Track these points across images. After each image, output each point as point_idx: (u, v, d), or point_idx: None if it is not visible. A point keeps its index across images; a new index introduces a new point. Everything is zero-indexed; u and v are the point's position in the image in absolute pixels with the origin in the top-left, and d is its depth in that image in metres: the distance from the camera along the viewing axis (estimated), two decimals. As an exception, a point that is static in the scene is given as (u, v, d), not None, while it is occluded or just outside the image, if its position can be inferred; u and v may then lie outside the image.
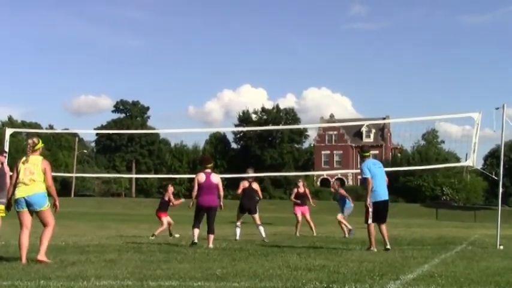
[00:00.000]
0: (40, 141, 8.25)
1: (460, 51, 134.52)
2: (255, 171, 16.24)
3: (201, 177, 11.34)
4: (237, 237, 13.75)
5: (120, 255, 8.92)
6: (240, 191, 14.07)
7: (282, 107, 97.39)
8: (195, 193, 11.36)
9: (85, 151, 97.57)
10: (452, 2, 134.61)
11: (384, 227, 10.87)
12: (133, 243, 12.08)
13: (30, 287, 5.57)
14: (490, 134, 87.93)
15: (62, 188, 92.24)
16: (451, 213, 54.13)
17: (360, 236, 15.08)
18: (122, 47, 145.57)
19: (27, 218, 8.09)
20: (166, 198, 16.19)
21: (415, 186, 76.42)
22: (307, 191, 18.04)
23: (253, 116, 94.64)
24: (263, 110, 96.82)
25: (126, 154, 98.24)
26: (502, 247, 11.80)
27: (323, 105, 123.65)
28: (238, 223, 14.15)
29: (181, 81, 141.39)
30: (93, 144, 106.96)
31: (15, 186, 8.05)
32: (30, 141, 8.15)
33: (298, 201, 17.66)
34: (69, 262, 7.80)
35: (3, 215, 11.32)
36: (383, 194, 10.97)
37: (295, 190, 18.10)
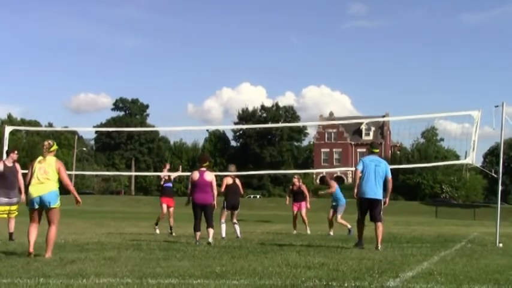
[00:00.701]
0: (55, 143, 8.80)
1: (459, 49, 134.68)
2: (255, 169, 16.28)
3: (195, 175, 11.53)
4: (223, 236, 13.42)
5: (120, 253, 8.92)
6: (223, 188, 14.03)
7: (281, 105, 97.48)
8: (189, 191, 11.68)
9: (84, 149, 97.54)
10: (452, 0, 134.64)
11: (377, 226, 10.53)
12: (133, 241, 12.08)
13: (29, 284, 5.57)
14: (489, 132, 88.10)
15: (62, 185, 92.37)
16: (450, 211, 54.12)
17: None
18: (121, 45, 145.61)
19: (38, 215, 8.56)
20: (162, 182, 15.74)
21: (415, 184, 76.50)
22: (304, 188, 17.83)
23: (259, 113, 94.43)
24: (263, 108, 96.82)
25: (125, 152, 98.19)
26: (501, 245, 11.81)
27: (322, 103, 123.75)
28: (223, 220, 14.04)
29: (180, 79, 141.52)
30: (92, 142, 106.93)
31: (29, 185, 8.48)
32: (46, 143, 8.67)
33: (287, 198, 17.86)
34: (69, 260, 7.80)
35: (17, 214, 11.51)
36: (367, 191, 10.58)
37: (290, 187, 18.12)
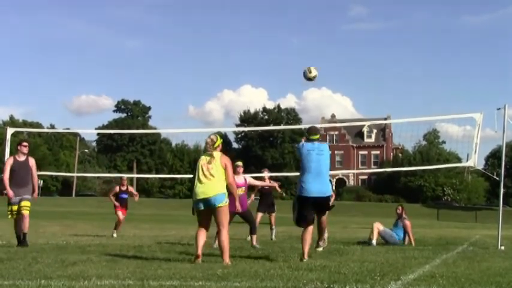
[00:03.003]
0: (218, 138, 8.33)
1: (461, 51, 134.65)
2: (256, 171, 16.27)
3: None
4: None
5: (121, 255, 8.92)
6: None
7: (282, 107, 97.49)
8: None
9: (86, 151, 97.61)
10: (453, 2, 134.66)
11: (323, 220, 8.85)
12: (134, 242, 12.08)
13: (31, 286, 5.56)
14: (491, 134, 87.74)
15: (63, 187, 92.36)
16: (452, 214, 54.10)
17: (360, 236, 15.07)
18: (123, 47, 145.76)
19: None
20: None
21: (416, 186, 76.49)
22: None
23: (260, 115, 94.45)
24: (264, 110, 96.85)
25: (127, 154, 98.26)
26: (503, 248, 11.80)
27: (323, 105, 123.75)
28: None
29: (181, 81, 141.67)
30: (94, 144, 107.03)
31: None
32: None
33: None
34: (70, 262, 7.80)
35: (28, 211, 10.98)
36: (312, 188, 8.43)
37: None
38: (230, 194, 8.09)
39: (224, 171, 8.00)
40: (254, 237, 11.70)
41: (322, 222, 8.97)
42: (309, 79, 10.01)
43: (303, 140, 8.86)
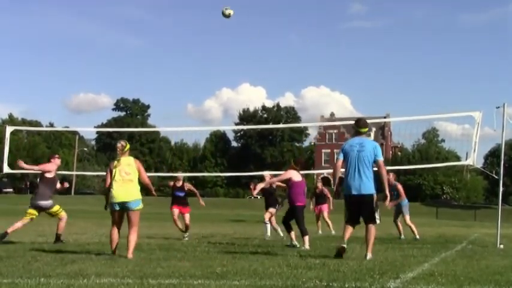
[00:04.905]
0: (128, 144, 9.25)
1: (460, 49, 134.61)
2: (255, 170, 16.33)
3: (298, 176, 10.92)
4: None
5: (120, 253, 8.92)
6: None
7: (281, 105, 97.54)
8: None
9: (85, 149, 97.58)
10: (452, 0, 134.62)
11: (368, 228, 8.51)
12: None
13: (30, 284, 5.57)
14: (490, 133, 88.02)
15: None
16: (451, 212, 54.08)
17: (360, 235, 15.06)
18: (122, 45, 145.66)
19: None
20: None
21: (415, 185, 76.43)
22: (327, 191, 18.20)
23: (260, 114, 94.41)
24: (264, 108, 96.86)
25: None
26: (502, 246, 11.80)
27: (322, 103, 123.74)
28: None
29: (180, 80, 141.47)
30: (93, 142, 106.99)
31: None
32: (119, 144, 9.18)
33: (311, 202, 18.09)
34: (69, 260, 7.81)
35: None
36: (353, 186, 8.44)
37: (313, 190, 18.51)
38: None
39: (139, 174, 8.67)
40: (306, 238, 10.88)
41: (368, 229, 8.49)
42: (225, 15, 10.96)
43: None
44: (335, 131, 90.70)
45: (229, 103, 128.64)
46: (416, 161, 71.43)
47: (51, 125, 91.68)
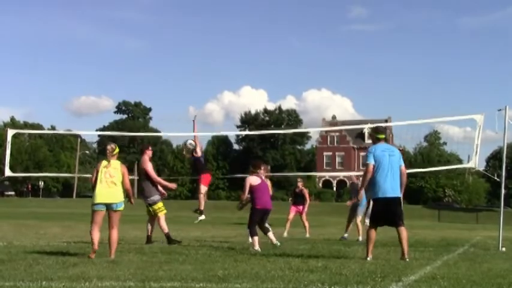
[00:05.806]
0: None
1: (462, 52, 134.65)
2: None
3: (256, 180, 11.16)
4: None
5: (122, 256, 8.92)
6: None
7: (282, 108, 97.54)
8: (245, 196, 11.37)
9: (87, 152, 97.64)
10: (453, 3, 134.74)
11: (401, 230, 8.86)
12: (135, 244, 12.07)
13: (32, 287, 5.56)
14: (492, 135, 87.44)
15: (64, 188, 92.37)
16: (453, 215, 54.04)
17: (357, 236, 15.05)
18: (123, 48, 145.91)
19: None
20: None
21: (417, 187, 76.43)
22: (305, 192, 17.75)
23: (261, 117, 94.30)
24: (265, 111, 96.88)
25: (128, 155, 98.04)
26: (504, 249, 11.78)
27: (323, 106, 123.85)
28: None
29: (181, 83, 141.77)
30: (95, 145, 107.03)
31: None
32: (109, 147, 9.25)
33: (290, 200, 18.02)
34: (71, 263, 7.80)
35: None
36: (387, 189, 8.78)
37: (293, 189, 18.35)
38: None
39: (123, 178, 8.98)
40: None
41: (401, 231, 8.89)
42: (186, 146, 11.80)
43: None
44: (337, 134, 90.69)
45: (231, 106, 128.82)
46: (418, 164, 71.33)
47: (53, 128, 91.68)
